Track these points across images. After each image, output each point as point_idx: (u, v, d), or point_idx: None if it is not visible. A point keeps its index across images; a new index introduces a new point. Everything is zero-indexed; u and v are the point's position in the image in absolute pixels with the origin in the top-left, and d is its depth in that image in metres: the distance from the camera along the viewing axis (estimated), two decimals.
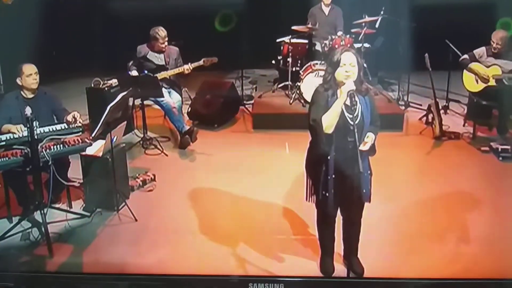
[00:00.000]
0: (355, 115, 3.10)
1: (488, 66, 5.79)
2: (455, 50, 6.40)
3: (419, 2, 7.51)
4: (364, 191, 3.26)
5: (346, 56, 3.10)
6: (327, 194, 3.24)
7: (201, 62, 5.74)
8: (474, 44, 5.99)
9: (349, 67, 3.09)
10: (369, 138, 3.18)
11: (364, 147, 3.13)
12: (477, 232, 4.03)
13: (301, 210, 4.22)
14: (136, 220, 4.19)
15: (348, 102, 3.07)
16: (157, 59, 5.84)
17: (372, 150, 3.26)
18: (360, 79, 3.18)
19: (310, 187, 3.39)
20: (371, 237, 3.75)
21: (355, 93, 3.09)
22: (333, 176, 3.20)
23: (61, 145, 3.97)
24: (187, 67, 5.69)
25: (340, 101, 3.08)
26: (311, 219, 3.70)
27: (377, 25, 6.91)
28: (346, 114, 3.12)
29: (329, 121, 3.08)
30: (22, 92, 4.25)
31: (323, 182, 3.23)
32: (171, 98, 5.76)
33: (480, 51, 5.86)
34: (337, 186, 3.22)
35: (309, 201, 3.42)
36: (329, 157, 3.18)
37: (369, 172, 3.30)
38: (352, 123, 3.08)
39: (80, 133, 4.15)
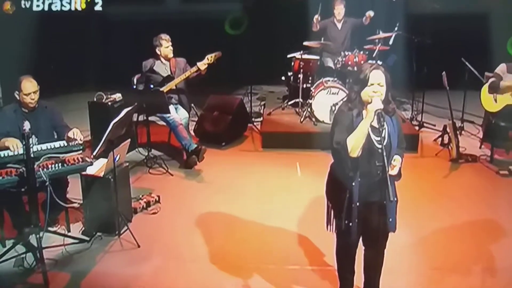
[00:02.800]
0: (382, 136, 2.85)
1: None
2: (472, 69, 6.21)
3: (433, 18, 7.37)
4: (390, 219, 3.01)
5: (375, 75, 2.84)
6: (350, 224, 2.97)
7: (205, 61, 5.51)
8: (489, 61, 5.81)
9: (377, 87, 2.84)
10: (397, 161, 2.93)
11: (392, 171, 2.88)
12: (498, 261, 3.80)
13: (316, 237, 3.97)
14: (138, 246, 3.92)
15: (375, 123, 2.83)
16: (164, 69, 5.64)
17: (399, 174, 3.01)
18: (387, 99, 2.93)
19: (331, 215, 3.12)
20: (392, 268, 3.46)
21: (382, 113, 2.83)
22: (358, 204, 2.94)
23: (60, 164, 3.72)
24: (193, 69, 5.48)
25: (367, 121, 2.82)
26: (327, 248, 3.46)
27: (391, 42, 6.70)
28: (373, 136, 2.88)
29: (355, 143, 2.82)
30: (21, 106, 4.02)
31: (347, 210, 2.96)
32: (178, 114, 5.54)
33: (502, 68, 5.65)
34: (361, 214, 2.97)
35: (330, 230, 3.15)
36: (353, 183, 2.92)
37: (395, 199, 3.03)
38: (379, 146, 2.84)
39: (81, 151, 3.92)
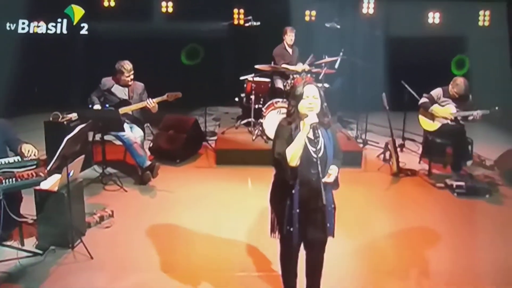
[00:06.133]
0: (318, 148, 3.12)
1: (443, 106, 6.04)
2: (411, 91, 6.69)
3: (377, 44, 7.94)
4: (328, 225, 3.25)
5: (308, 89, 3.16)
6: (291, 229, 3.19)
7: (164, 97, 5.71)
8: (430, 84, 6.24)
9: (312, 99, 3.15)
10: (333, 170, 3.20)
11: (328, 179, 3.15)
12: (433, 265, 4.12)
13: (264, 246, 4.18)
14: (91, 258, 4.02)
15: (311, 135, 3.11)
16: (122, 92, 5.77)
17: (336, 183, 3.28)
18: (323, 112, 3.24)
19: (274, 222, 3.34)
20: (334, 272, 3.76)
21: (317, 126, 3.13)
22: (298, 210, 3.18)
23: (14, 179, 3.77)
24: (149, 102, 5.63)
25: (303, 133, 3.10)
26: (274, 256, 3.64)
27: (336, 66, 7.16)
28: (310, 147, 3.14)
29: (293, 154, 3.09)
30: None
31: (288, 217, 3.19)
32: (132, 133, 5.67)
33: (438, 92, 6.07)
34: (301, 220, 3.19)
35: (273, 236, 3.37)
36: (293, 191, 3.16)
37: (333, 206, 3.30)
38: (315, 155, 3.11)
39: (35, 166, 3.96)
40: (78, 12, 8.22)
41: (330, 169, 3.19)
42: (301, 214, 3.18)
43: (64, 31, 8.32)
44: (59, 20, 8.27)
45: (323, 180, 3.08)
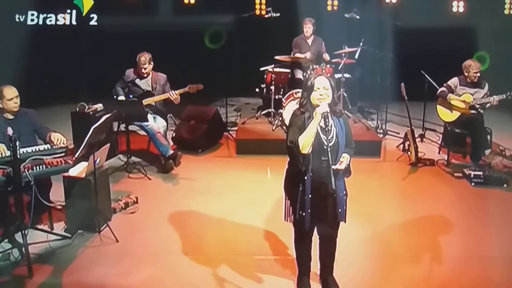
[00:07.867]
0: (329, 137, 3.24)
1: (460, 95, 6.03)
2: (431, 80, 6.67)
3: (397, 34, 7.89)
4: (339, 210, 3.37)
5: (319, 80, 3.28)
6: (303, 214, 3.33)
7: (186, 89, 5.88)
8: (454, 74, 6.21)
9: (323, 90, 3.26)
10: (345, 158, 3.31)
11: (340, 166, 3.25)
12: (450, 253, 4.17)
13: (281, 232, 4.30)
14: (117, 241, 4.23)
15: (322, 124, 3.22)
16: (145, 84, 5.96)
17: (347, 171, 3.39)
18: (334, 101, 3.35)
19: (288, 207, 3.48)
20: (348, 257, 3.88)
21: (329, 115, 3.23)
22: (310, 196, 3.30)
23: (44, 166, 3.97)
24: (172, 93, 5.80)
25: (315, 122, 3.22)
26: (290, 241, 3.75)
27: (356, 56, 7.19)
28: (321, 135, 3.25)
29: (305, 141, 3.21)
30: (3, 114, 4.29)
31: (301, 202, 3.32)
32: (156, 123, 5.86)
33: (455, 81, 6.09)
34: (314, 205, 3.32)
35: (287, 220, 3.51)
36: (306, 177, 3.28)
37: (344, 192, 3.41)
38: (326, 143, 3.22)
39: (63, 154, 4.15)
40: (87, 3, 8.32)
41: (342, 157, 3.30)
42: (312, 200, 3.31)
43: (74, 22, 8.40)
44: (68, 11, 8.37)
45: (334, 167, 3.18)
